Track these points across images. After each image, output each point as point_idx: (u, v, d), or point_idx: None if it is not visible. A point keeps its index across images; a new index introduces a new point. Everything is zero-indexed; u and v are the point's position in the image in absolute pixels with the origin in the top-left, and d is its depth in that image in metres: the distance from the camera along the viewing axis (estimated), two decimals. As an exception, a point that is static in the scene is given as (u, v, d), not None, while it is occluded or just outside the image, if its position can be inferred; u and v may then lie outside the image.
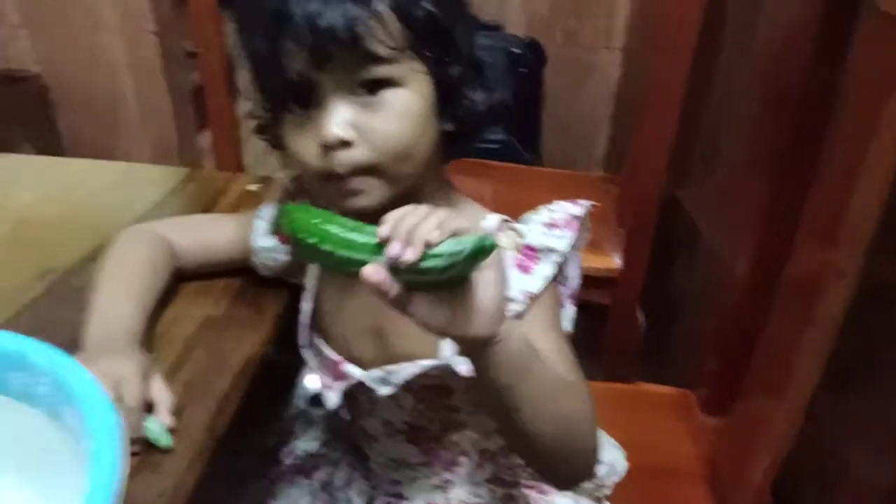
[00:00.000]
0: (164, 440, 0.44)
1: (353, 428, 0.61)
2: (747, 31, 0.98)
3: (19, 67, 1.72)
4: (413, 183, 0.49)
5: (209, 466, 0.45)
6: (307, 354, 0.59)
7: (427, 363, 0.51)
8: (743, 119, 0.98)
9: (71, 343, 0.48)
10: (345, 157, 0.46)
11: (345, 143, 0.45)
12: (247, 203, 0.74)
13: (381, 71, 0.45)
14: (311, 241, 0.40)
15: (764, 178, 0.76)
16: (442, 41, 0.47)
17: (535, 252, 0.50)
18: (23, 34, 1.69)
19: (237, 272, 0.61)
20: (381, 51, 0.44)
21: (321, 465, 0.66)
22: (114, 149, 1.80)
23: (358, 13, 0.43)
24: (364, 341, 0.55)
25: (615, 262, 1.06)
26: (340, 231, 0.39)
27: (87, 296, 0.53)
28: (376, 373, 0.53)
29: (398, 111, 0.46)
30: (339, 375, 0.56)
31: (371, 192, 0.48)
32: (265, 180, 0.79)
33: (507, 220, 0.54)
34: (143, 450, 0.44)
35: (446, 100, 0.48)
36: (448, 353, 0.51)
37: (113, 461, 0.32)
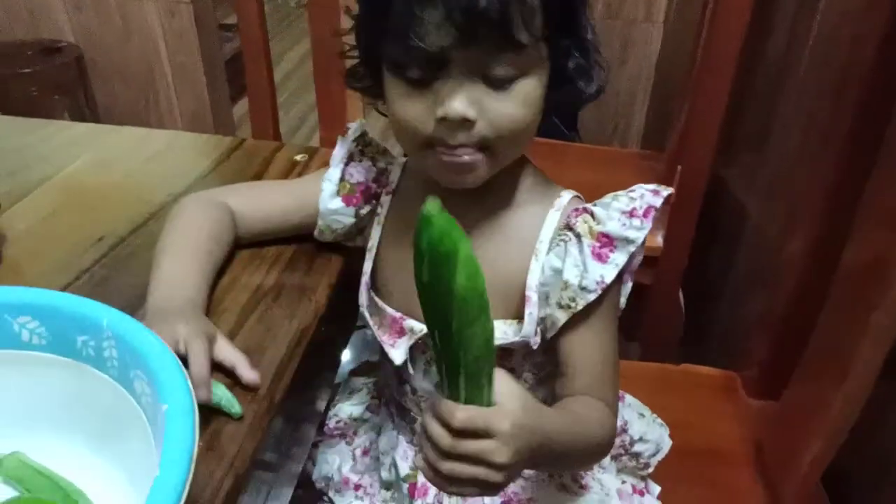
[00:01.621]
0: (235, 408, 0.44)
1: (402, 389, 0.61)
2: (805, 12, 0.94)
3: (56, 37, 1.73)
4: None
5: (267, 434, 0.45)
6: (366, 314, 0.59)
7: (505, 335, 0.52)
8: (799, 100, 0.95)
9: (126, 309, 0.48)
10: (463, 136, 0.46)
11: (466, 121, 0.45)
12: (293, 173, 0.74)
13: (518, 59, 0.44)
14: None
15: (823, 159, 0.73)
16: (572, 30, 0.47)
17: (611, 240, 0.50)
18: (59, 4, 1.70)
19: (289, 240, 0.61)
20: (524, 38, 0.44)
21: (364, 429, 0.67)
22: (149, 118, 1.82)
23: None
24: None
25: (657, 240, 1.04)
26: None
27: (141, 263, 0.53)
28: None
29: (523, 97, 0.46)
30: (402, 331, 0.56)
31: (478, 170, 0.48)
32: (310, 150, 0.78)
33: (578, 197, 0.54)
34: (202, 416, 0.44)
35: (555, 86, 0.48)
36: (532, 310, 0.51)
37: (188, 424, 0.32)
